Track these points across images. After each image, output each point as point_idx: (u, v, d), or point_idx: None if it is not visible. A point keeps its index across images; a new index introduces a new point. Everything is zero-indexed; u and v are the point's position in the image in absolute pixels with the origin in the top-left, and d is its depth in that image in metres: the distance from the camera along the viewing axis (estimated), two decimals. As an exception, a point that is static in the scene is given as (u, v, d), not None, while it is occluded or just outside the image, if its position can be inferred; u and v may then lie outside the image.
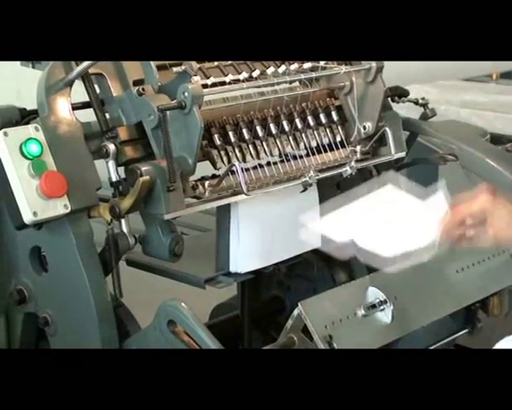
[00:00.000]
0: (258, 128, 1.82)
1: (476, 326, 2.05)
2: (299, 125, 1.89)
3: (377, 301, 1.69)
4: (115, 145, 1.68)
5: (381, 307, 1.69)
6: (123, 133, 1.72)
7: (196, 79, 1.72)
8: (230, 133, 1.78)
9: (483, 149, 2.13)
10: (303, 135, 1.89)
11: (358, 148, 1.96)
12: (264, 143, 1.82)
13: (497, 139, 2.46)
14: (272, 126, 1.84)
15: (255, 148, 1.81)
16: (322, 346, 1.57)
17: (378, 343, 1.67)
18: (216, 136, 1.77)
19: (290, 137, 1.87)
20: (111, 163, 1.68)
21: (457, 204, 1.50)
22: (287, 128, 1.87)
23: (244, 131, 1.80)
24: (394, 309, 1.69)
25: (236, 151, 1.78)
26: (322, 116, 1.94)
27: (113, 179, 1.69)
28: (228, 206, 1.80)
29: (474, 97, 2.84)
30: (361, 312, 1.67)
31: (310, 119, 1.91)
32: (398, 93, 2.13)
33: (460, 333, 2.04)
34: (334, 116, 1.96)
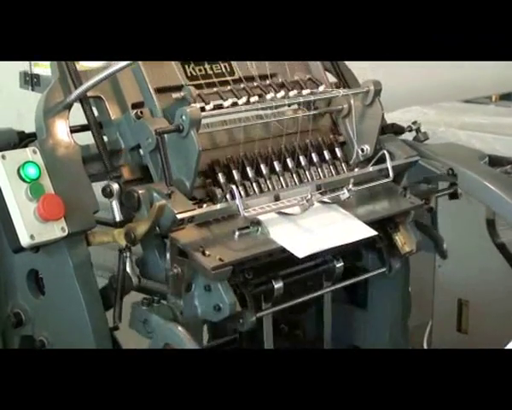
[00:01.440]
0: (262, 166, 1.83)
1: (393, 267, 1.99)
2: (303, 162, 1.90)
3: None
4: (119, 185, 1.67)
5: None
6: (126, 173, 1.72)
7: (195, 105, 1.72)
8: (234, 172, 1.79)
9: (481, 171, 2.13)
10: (307, 173, 1.90)
11: (356, 170, 1.96)
12: (267, 181, 1.83)
13: (496, 161, 2.46)
14: (276, 164, 1.85)
15: (259, 186, 1.82)
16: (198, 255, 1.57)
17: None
18: (220, 175, 1.77)
19: (294, 175, 1.88)
20: (115, 203, 1.67)
21: None
22: (290, 165, 1.87)
23: (248, 170, 1.81)
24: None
25: (240, 189, 1.78)
26: (325, 153, 1.95)
27: (117, 219, 1.67)
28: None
29: (474, 119, 2.84)
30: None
31: (314, 156, 1.92)
32: (394, 131, 2.12)
33: (376, 272, 1.99)
34: (339, 153, 1.97)
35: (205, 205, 1.72)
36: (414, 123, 2.18)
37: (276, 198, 1.79)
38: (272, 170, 1.84)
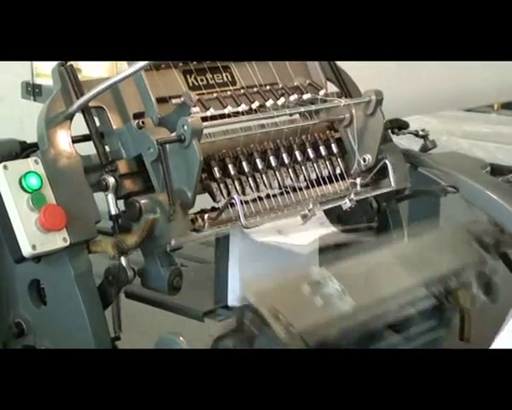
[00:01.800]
0: (258, 161, 1.83)
1: (451, 322, 1.93)
2: (299, 158, 1.90)
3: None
4: (115, 178, 1.69)
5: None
6: (122, 167, 1.72)
7: (195, 110, 1.73)
8: (230, 166, 1.79)
9: (483, 180, 2.13)
10: (303, 167, 1.90)
11: (358, 180, 1.96)
12: (263, 176, 1.83)
13: (498, 170, 2.46)
14: (272, 159, 1.85)
15: (255, 181, 1.82)
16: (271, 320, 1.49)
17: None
18: (215, 169, 1.78)
19: (290, 170, 1.88)
20: (110, 196, 1.68)
21: None
22: (286, 161, 1.87)
23: (244, 164, 1.81)
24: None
25: (236, 184, 1.79)
26: (321, 148, 1.95)
27: (113, 213, 1.69)
28: (227, 237, 1.80)
29: (476, 128, 2.85)
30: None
31: (309, 151, 1.92)
32: (398, 125, 2.14)
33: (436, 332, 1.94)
34: (334, 148, 1.97)
35: (206, 215, 1.73)
36: (422, 130, 2.19)
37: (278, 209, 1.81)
38: (268, 165, 1.85)
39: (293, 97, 1.91)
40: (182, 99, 1.74)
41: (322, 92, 1.96)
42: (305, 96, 1.93)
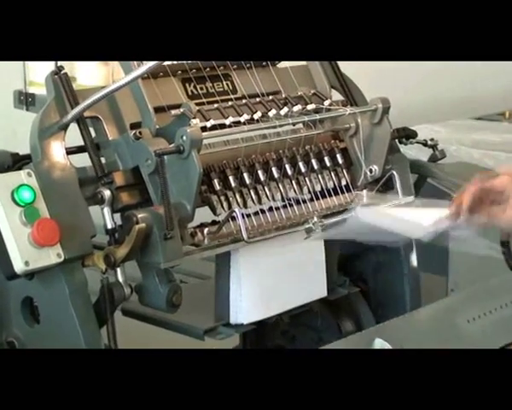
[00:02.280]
0: (260, 172, 1.82)
1: None
2: (303, 169, 1.89)
3: None
4: (111, 191, 1.68)
5: None
6: (118, 178, 1.71)
7: (195, 121, 1.72)
8: (231, 178, 1.79)
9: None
10: (306, 179, 1.89)
11: (365, 192, 1.96)
12: (265, 188, 1.82)
13: (510, 181, 2.44)
14: (274, 170, 1.84)
15: (256, 193, 1.81)
16: None
17: None
18: (216, 181, 1.77)
19: (293, 181, 1.87)
20: (106, 210, 1.68)
21: (481, 179, 1.53)
22: (289, 172, 1.87)
23: (245, 175, 1.80)
24: None
25: (237, 196, 1.78)
26: (326, 159, 1.94)
27: (109, 227, 1.68)
28: (228, 253, 1.79)
29: (486, 137, 2.84)
30: None
31: (314, 162, 1.91)
32: (406, 134, 2.13)
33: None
34: (339, 159, 1.96)
35: (206, 229, 1.73)
36: (431, 140, 2.18)
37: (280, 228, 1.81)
38: (271, 177, 1.84)
39: (297, 108, 1.90)
40: (181, 110, 1.73)
41: (327, 102, 1.96)
42: (310, 107, 1.92)
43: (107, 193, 1.68)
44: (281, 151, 1.87)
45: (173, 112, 1.74)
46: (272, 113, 1.86)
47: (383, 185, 1.97)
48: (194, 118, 1.72)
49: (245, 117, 1.82)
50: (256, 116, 1.84)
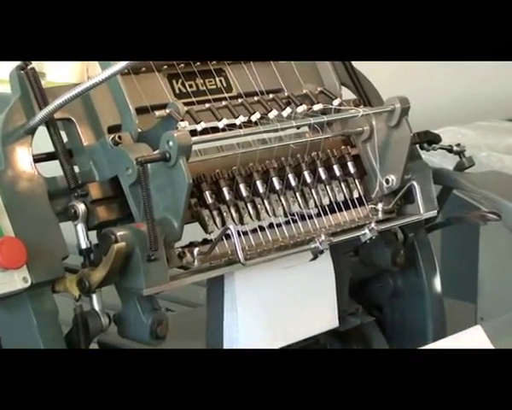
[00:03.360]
0: (259, 183, 1.82)
1: None
2: (309, 179, 1.89)
3: None
4: (85, 205, 1.68)
5: None
6: (95, 190, 1.71)
7: (183, 124, 1.72)
8: (225, 189, 1.78)
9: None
10: (313, 191, 1.89)
11: (380, 206, 1.96)
12: (265, 202, 1.82)
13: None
14: (275, 181, 1.84)
15: (255, 207, 1.81)
16: None
17: None
18: (207, 193, 1.76)
19: (297, 194, 1.86)
20: (80, 227, 1.68)
21: None
22: (293, 183, 1.86)
23: (241, 186, 1.80)
24: None
25: (232, 211, 1.78)
26: (335, 168, 1.94)
27: (83, 246, 1.68)
28: (221, 277, 1.79)
29: (522, 141, 2.84)
30: None
31: (321, 171, 1.91)
32: (428, 139, 2.13)
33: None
34: (351, 168, 1.96)
35: (196, 249, 1.72)
36: (457, 145, 2.18)
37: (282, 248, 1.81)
38: (271, 188, 1.84)
39: (302, 108, 1.90)
40: (167, 111, 1.73)
41: (336, 102, 1.95)
42: (316, 107, 1.92)
43: (81, 207, 1.67)
44: (283, 159, 1.87)
45: (158, 113, 1.73)
46: (273, 114, 1.86)
47: (402, 198, 1.96)
48: (182, 120, 1.72)
49: (241, 119, 1.82)
50: (254, 118, 1.83)
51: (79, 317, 1.65)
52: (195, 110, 1.80)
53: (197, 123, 1.77)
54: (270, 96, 1.92)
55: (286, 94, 1.95)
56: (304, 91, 1.97)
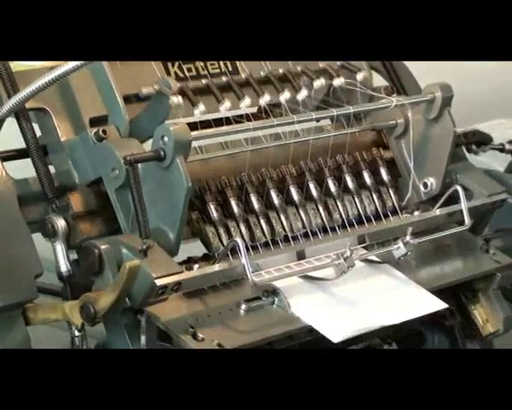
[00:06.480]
0: (273, 193, 1.83)
1: None
2: (333, 189, 1.90)
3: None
4: (66, 221, 1.68)
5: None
6: (76, 202, 1.72)
7: (177, 100, 1.73)
8: (233, 201, 1.79)
9: None
10: (338, 203, 1.89)
11: (417, 214, 1.96)
12: (281, 216, 1.83)
13: None
14: (294, 190, 1.85)
15: (269, 222, 1.81)
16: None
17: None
18: (212, 205, 1.77)
19: (320, 206, 1.87)
20: (60, 247, 1.68)
21: None
22: (315, 193, 1.87)
23: (252, 197, 1.81)
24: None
25: (242, 227, 1.78)
26: (365, 174, 1.95)
27: (63, 270, 1.68)
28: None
29: None
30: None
31: (348, 178, 1.92)
32: (477, 140, 2.13)
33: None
34: (384, 175, 1.97)
35: (196, 266, 1.72)
36: (510, 142, 2.20)
37: (300, 256, 1.79)
38: (288, 199, 1.85)
39: (320, 83, 1.92)
40: (156, 87, 1.73)
41: (360, 76, 1.97)
42: (337, 82, 1.94)
43: (60, 224, 1.68)
44: (302, 163, 1.87)
45: (145, 90, 1.74)
46: (285, 96, 1.87)
47: (443, 205, 1.96)
48: (174, 94, 1.72)
49: (247, 101, 1.83)
50: (263, 101, 1.85)
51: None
52: (190, 87, 1.81)
53: (193, 104, 1.78)
54: (281, 70, 1.93)
55: (299, 69, 1.96)
56: (321, 66, 1.99)
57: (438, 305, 1.83)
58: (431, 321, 1.97)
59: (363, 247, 1.87)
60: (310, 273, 1.78)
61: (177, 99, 1.73)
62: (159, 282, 1.60)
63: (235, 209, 1.79)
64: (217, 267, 1.70)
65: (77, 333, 1.65)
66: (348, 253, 1.78)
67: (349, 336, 1.71)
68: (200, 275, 1.68)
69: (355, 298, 1.79)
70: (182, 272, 1.65)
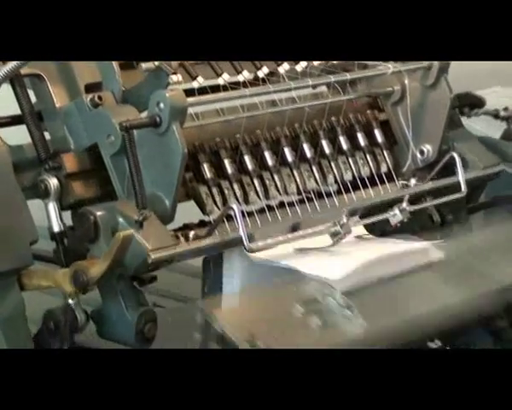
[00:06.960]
0: (268, 154, 1.83)
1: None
2: (327, 150, 1.90)
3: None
4: (58, 180, 1.68)
5: None
6: (70, 162, 1.72)
7: (176, 78, 1.72)
8: (226, 161, 1.79)
9: None
10: (332, 164, 1.90)
11: (413, 182, 1.97)
12: (275, 177, 1.83)
13: None
14: (288, 151, 1.85)
15: (263, 183, 1.82)
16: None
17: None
18: (205, 166, 1.77)
19: (314, 168, 1.87)
20: (52, 206, 1.69)
21: None
22: (309, 154, 1.87)
23: (246, 158, 1.81)
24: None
25: (235, 188, 1.78)
26: (360, 136, 1.95)
27: (55, 229, 1.69)
28: (219, 260, 1.79)
29: None
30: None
31: (342, 140, 1.92)
32: (470, 102, 2.14)
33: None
34: (379, 136, 1.97)
35: (192, 233, 1.72)
36: (505, 109, 2.21)
37: (294, 229, 1.80)
38: (283, 161, 1.85)
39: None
40: (156, 63, 1.72)
41: None
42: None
43: (53, 182, 1.68)
44: (296, 125, 1.87)
45: (144, 66, 1.72)
46: (283, 68, 1.87)
47: (439, 173, 1.97)
48: (174, 73, 1.72)
49: (246, 75, 1.82)
50: (261, 73, 1.84)
51: (53, 314, 1.66)
52: (191, 63, 1.80)
53: (193, 78, 1.77)
54: None
55: None
56: None
57: None
58: (478, 321, 1.96)
59: (360, 214, 1.88)
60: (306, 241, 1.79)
61: (176, 77, 1.73)
62: (153, 255, 1.61)
63: (229, 170, 1.79)
64: (211, 240, 1.70)
65: (70, 301, 1.65)
66: (344, 219, 1.79)
67: (351, 271, 1.73)
68: (195, 248, 1.69)
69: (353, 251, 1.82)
70: (177, 244, 1.65)
